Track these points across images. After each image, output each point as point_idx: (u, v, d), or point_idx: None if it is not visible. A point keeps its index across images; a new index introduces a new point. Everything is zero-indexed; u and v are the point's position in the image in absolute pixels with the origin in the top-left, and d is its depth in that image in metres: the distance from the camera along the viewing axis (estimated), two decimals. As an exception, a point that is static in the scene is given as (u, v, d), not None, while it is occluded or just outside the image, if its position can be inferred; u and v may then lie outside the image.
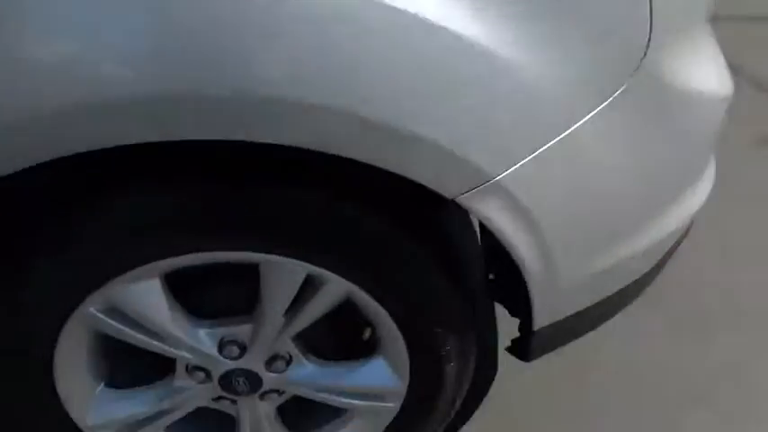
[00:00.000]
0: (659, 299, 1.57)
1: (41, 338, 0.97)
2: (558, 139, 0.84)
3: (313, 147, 0.79)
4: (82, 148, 0.78)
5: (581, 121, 0.84)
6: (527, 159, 0.83)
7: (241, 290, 1.03)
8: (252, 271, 0.99)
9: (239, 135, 0.78)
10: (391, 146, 0.78)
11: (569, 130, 0.84)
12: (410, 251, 0.94)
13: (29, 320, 0.95)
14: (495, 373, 1.24)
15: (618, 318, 1.26)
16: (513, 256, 0.90)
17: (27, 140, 0.77)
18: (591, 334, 1.25)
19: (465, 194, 0.82)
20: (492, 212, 0.85)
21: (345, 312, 1.07)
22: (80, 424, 1.07)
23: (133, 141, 0.78)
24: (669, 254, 1.24)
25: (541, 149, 0.83)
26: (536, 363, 1.19)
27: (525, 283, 0.96)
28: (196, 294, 1.02)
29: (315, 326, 1.07)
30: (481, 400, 1.45)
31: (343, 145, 0.79)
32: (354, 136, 0.78)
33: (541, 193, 0.86)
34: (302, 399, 1.19)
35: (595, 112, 0.84)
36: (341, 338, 1.11)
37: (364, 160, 0.80)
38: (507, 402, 1.50)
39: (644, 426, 1.57)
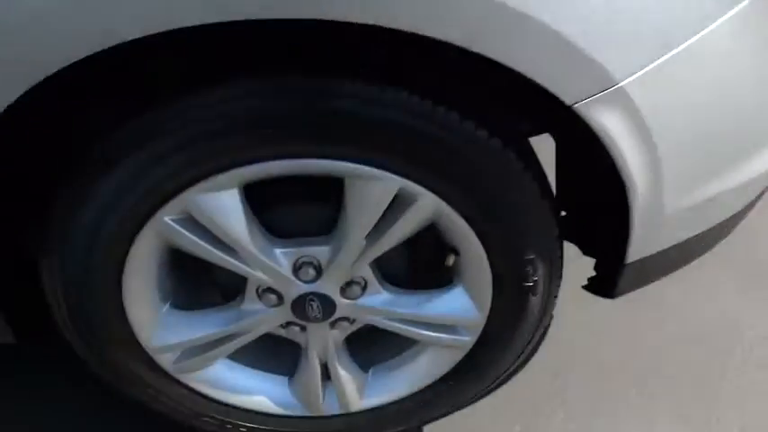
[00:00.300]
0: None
1: (115, 248, 0.92)
2: (688, 43, 0.77)
3: (448, 38, 0.72)
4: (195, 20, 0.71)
5: (714, 25, 0.77)
6: (654, 64, 0.76)
7: (320, 210, 0.97)
8: (333, 191, 0.94)
9: (376, 19, 0.71)
10: (524, 41, 0.72)
11: (701, 34, 0.77)
12: (516, 171, 0.88)
13: (104, 226, 0.89)
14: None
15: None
16: (622, 174, 0.84)
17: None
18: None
19: (586, 101, 0.76)
20: (610, 122, 0.78)
21: (422, 241, 1.03)
22: (146, 346, 1.03)
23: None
24: (759, 196, 1.18)
25: (670, 54, 0.76)
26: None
27: (628, 207, 0.89)
28: (274, 213, 0.97)
29: (392, 252, 1.02)
30: (540, 343, 1.42)
31: (478, 38, 0.72)
32: (491, 28, 0.72)
33: (664, 103, 0.79)
34: (370, 332, 1.16)
35: (731, 13, 0.77)
36: (418, 267, 1.06)
37: (495, 57, 0.74)
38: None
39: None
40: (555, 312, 1.25)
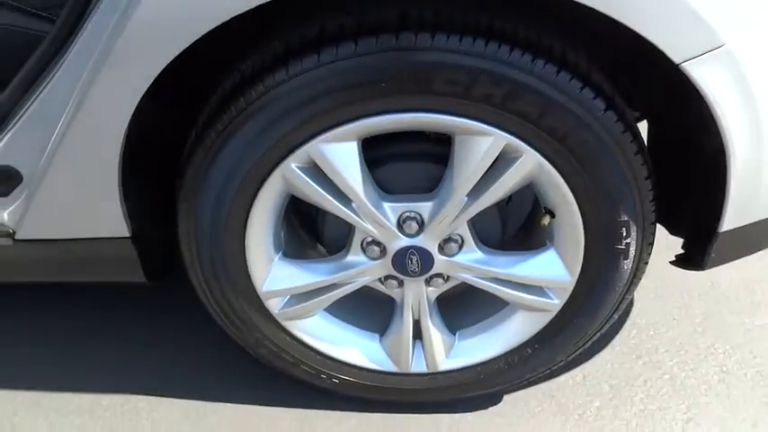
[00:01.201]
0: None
1: (246, 192, 1.03)
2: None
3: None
4: None
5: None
6: (761, 27, 0.81)
7: (427, 169, 1.06)
8: (438, 150, 1.03)
9: None
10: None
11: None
12: (616, 133, 0.93)
13: (239, 171, 1.01)
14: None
15: None
16: (723, 137, 0.88)
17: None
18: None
19: (693, 60, 0.81)
20: (714, 82, 0.83)
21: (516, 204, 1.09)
22: (258, 290, 1.13)
23: None
24: None
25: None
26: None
27: (725, 172, 0.93)
28: (386, 170, 1.06)
29: (488, 216, 1.09)
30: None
31: None
32: None
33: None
34: (459, 296, 1.22)
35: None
36: (513, 228, 1.12)
37: (610, 13, 0.80)
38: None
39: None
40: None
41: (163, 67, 0.93)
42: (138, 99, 0.96)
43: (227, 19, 0.88)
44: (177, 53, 0.91)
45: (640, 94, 1.11)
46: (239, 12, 0.88)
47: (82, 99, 0.98)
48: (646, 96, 1.13)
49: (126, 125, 0.98)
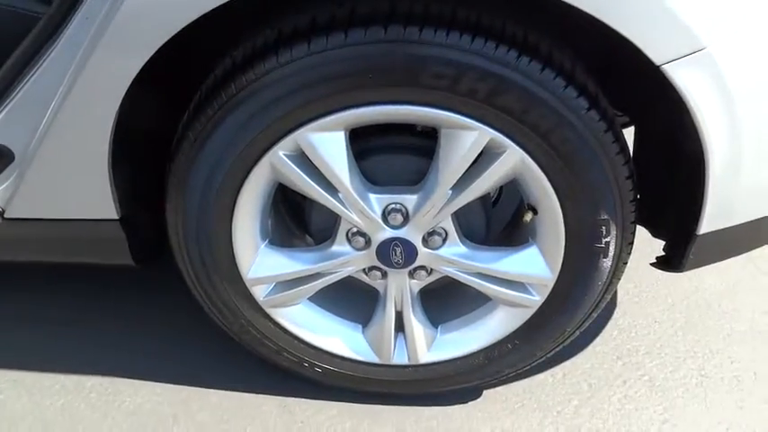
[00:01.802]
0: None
1: (234, 177, 1.04)
2: (774, 15, 0.83)
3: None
4: None
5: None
6: (741, 31, 0.82)
7: (412, 161, 1.07)
8: (424, 144, 1.05)
9: None
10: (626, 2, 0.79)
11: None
12: (599, 132, 0.95)
13: (227, 157, 1.02)
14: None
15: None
16: (701, 138, 0.90)
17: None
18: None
19: (673, 62, 0.83)
20: (693, 85, 0.85)
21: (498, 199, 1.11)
22: (244, 277, 1.15)
23: None
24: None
25: (755, 22, 0.82)
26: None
27: (703, 175, 0.95)
28: (371, 162, 1.07)
29: (471, 210, 1.11)
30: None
31: None
32: None
33: (748, 69, 0.85)
34: (441, 290, 1.24)
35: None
36: (499, 225, 1.14)
37: (593, 12, 0.82)
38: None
39: None
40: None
41: (152, 52, 0.94)
42: (128, 84, 0.97)
43: (215, 6, 0.89)
44: (166, 39, 0.92)
45: (624, 95, 1.13)
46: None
47: (74, 82, 1.00)
48: (629, 98, 1.15)
49: (116, 109, 1.00)
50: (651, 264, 1.22)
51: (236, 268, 1.14)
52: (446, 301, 1.26)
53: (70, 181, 1.10)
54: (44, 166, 1.08)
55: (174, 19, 0.91)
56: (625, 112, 1.30)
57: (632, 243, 1.10)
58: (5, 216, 1.16)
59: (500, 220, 1.20)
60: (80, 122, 1.02)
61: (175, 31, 0.92)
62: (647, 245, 1.28)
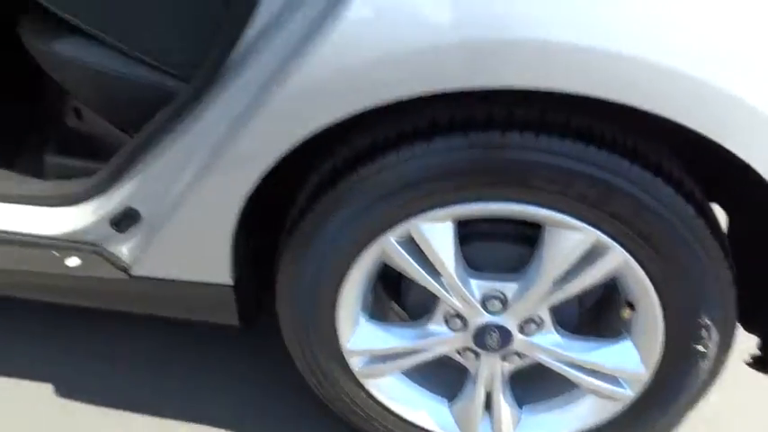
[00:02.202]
0: None
1: (345, 257, 1.11)
2: None
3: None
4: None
5: None
6: None
7: (515, 250, 1.12)
8: (527, 233, 1.09)
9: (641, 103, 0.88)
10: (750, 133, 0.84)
11: None
12: (704, 237, 0.98)
13: (342, 239, 1.09)
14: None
15: None
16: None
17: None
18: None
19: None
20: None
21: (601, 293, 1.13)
22: (343, 348, 1.21)
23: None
24: None
25: None
26: None
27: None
28: (475, 248, 1.12)
29: (571, 300, 1.13)
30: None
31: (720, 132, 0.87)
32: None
33: None
34: (530, 371, 1.26)
35: None
36: (591, 316, 1.16)
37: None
38: None
39: None
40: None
41: (306, 136, 1.00)
42: (272, 162, 1.03)
43: (379, 104, 0.95)
44: (323, 128, 0.98)
45: (720, 190, 1.14)
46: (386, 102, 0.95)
47: (218, 157, 1.06)
48: (726, 193, 1.17)
49: (252, 186, 1.07)
50: (746, 363, 1.20)
51: (337, 338, 1.21)
52: (533, 381, 1.28)
53: (194, 247, 1.19)
54: (173, 233, 1.18)
55: (330, 111, 0.97)
56: (721, 203, 1.31)
57: (731, 345, 1.09)
58: (132, 274, 1.26)
59: (596, 309, 1.22)
60: (215, 197, 1.11)
61: (330, 124, 0.98)
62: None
